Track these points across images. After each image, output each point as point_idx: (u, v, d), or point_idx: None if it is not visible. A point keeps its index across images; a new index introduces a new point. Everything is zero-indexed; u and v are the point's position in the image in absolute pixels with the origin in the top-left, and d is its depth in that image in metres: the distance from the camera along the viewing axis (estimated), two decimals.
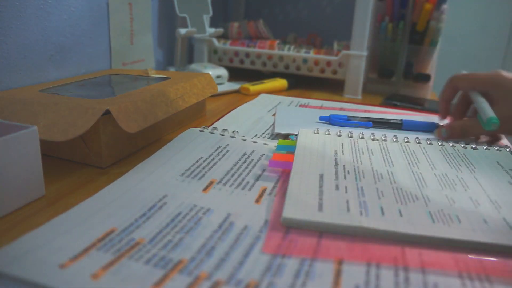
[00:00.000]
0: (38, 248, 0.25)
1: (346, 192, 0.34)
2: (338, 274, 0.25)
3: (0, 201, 0.30)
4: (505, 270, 0.26)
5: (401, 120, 0.55)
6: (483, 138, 0.54)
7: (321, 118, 0.57)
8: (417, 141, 0.48)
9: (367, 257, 0.27)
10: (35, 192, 0.33)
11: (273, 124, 0.56)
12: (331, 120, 0.56)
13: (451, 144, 0.47)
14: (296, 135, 0.49)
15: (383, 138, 0.48)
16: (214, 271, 0.24)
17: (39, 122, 0.37)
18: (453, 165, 0.42)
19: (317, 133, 0.48)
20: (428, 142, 0.48)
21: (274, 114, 0.61)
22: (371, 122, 0.55)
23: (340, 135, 0.48)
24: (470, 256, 0.28)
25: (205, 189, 0.35)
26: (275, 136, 0.51)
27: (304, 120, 0.57)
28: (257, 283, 0.24)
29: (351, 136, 0.48)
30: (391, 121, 0.55)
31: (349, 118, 0.56)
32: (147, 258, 0.25)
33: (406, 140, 0.48)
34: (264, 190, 0.35)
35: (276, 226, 0.30)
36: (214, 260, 0.26)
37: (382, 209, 0.32)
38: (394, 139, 0.48)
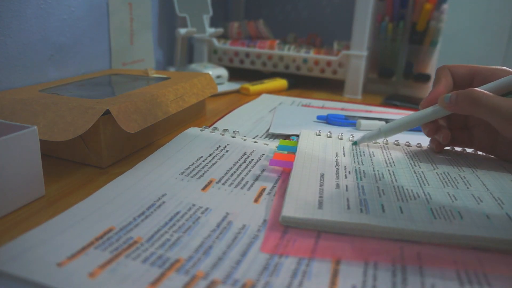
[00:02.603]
0: (36, 246, 0.25)
1: (346, 190, 0.34)
2: (335, 274, 0.25)
3: (0, 201, 0.30)
4: (505, 268, 0.26)
5: None
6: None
7: (319, 117, 0.58)
8: (418, 145, 0.48)
9: (365, 257, 0.27)
10: (35, 192, 0.33)
11: (270, 123, 0.56)
12: (329, 120, 0.56)
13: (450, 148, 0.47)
14: (297, 135, 0.49)
15: (385, 142, 0.48)
16: (211, 270, 0.25)
17: (39, 122, 0.37)
18: (455, 165, 0.42)
19: (319, 135, 0.48)
20: (429, 146, 0.48)
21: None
22: None
23: (341, 138, 0.48)
24: (469, 257, 0.27)
25: (204, 188, 0.35)
26: (275, 136, 0.51)
27: (301, 120, 0.58)
28: (254, 283, 0.24)
29: (352, 140, 0.48)
30: (389, 120, 0.56)
31: (346, 117, 0.56)
32: (144, 257, 0.25)
33: (407, 144, 0.48)
34: (264, 189, 0.35)
35: (275, 226, 0.30)
36: (211, 259, 0.26)
37: (382, 206, 0.32)
38: (395, 143, 0.48)
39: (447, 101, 0.40)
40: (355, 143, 0.45)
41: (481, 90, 0.38)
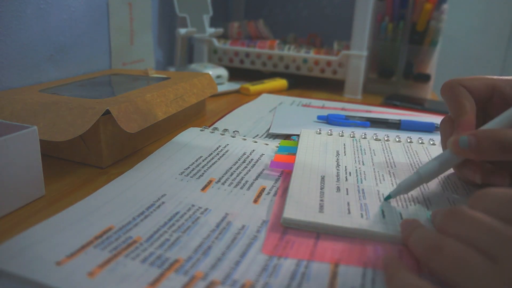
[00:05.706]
0: (34, 245, 0.25)
1: (347, 194, 0.34)
2: (334, 276, 0.25)
3: (0, 201, 0.30)
4: None
5: (399, 120, 0.56)
6: None
7: (319, 117, 0.58)
8: (420, 142, 0.48)
9: (364, 260, 0.27)
10: (35, 192, 0.33)
11: (270, 123, 0.56)
12: (329, 120, 0.56)
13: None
14: (298, 135, 0.49)
15: (386, 138, 0.48)
16: (210, 270, 0.25)
17: (39, 122, 0.37)
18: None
19: (319, 133, 0.48)
20: (431, 143, 0.48)
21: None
22: (368, 122, 0.55)
23: (342, 135, 0.48)
24: None
25: (203, 188, 0.35)
26: (275, 136, 0.51)
27: (302, 120, 0.58)
28: (253, 284, 0.24)
29: (353, 137, 0.48)
30: (389, 121, 0.56)
31: (347, 117, 0.56)
32: (143, 256, 0.25)
33: (408, 140, 0.48)
34: (263, 189, 0.36)
35: (275, 227, 0.30)
36: (211, 259, 0.26)
37: (383, 212, 0.32)
38: (397, 139, 0.48)
39: (464, 146, 0.31)
40: (388, 198, 0.33)
41: (506, 129, 0.30)
